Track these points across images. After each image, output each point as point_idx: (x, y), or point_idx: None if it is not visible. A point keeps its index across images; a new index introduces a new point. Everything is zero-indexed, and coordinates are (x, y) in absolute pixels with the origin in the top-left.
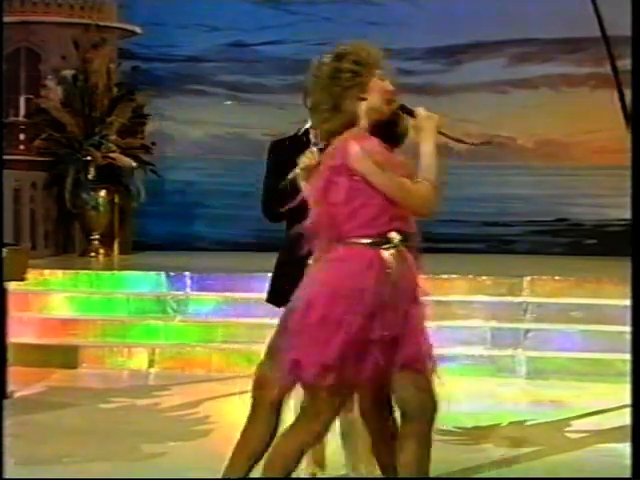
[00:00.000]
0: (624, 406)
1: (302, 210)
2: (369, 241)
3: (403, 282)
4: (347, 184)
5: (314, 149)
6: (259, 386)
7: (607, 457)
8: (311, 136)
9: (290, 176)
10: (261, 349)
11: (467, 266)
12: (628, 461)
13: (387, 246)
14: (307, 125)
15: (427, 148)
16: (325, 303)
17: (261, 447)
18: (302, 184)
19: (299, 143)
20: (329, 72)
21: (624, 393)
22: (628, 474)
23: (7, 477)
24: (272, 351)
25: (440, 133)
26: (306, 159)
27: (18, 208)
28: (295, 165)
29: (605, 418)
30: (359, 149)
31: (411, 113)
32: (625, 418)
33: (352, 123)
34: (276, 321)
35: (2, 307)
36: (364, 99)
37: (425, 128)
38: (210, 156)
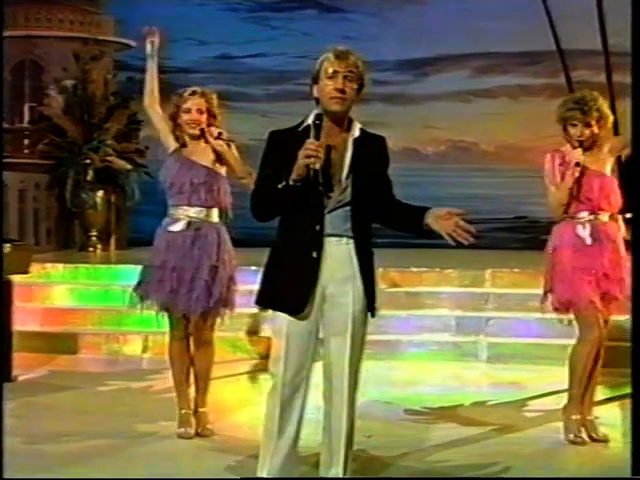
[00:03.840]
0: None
1: (313, 202)
2: None
3: None
4: None
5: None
6: None
7: (560, 435)
8: (312, 132)
9: (294, 175)
10: (248, 337)
11: (434, 260)
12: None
13: None
14: (309, 121)
15: None
16: None
17: None
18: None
19: (298, 139)
20: None
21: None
22: (574, 449)
23: (7, 477)
24: None
25: None
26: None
27: (23, 207)
28: (291, 162)
29: (559, 399)
30: None
31: None
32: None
33: None
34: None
35: (7, 298)
36: None
37: None
38: None
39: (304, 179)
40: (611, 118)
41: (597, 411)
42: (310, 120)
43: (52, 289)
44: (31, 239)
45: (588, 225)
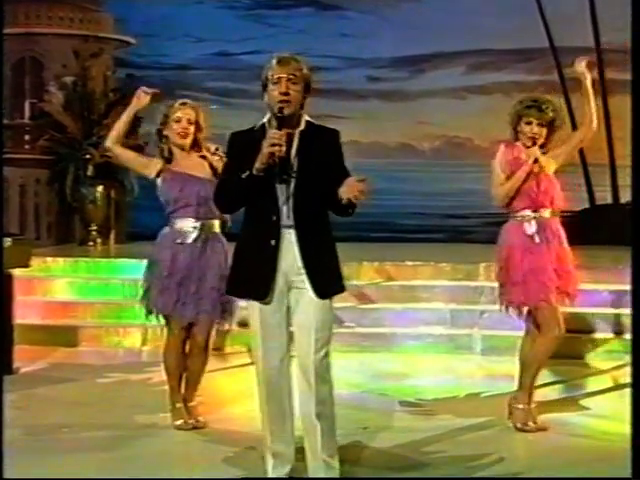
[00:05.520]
0: (565, 380)
1: (270, 196)
2: None
3: None
4: None
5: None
6: None
7: (550, 425)
8: (275, 123)
9: (258, 164)
10: (242, 329)
11: (429, 254)
12: (568, 427)
13: None
14: (264, 120)
15: None
16: None
17: None
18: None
19: (256, 137)
20: None
21: (566, 368)
22: (569, 440)
23: (7, 477)
24: None
25: None
26: (278, 139)
27: (23, 202)
28: (252, 158)
29: (550, 390)
30: None
31: None
32: (566, 391)
33: None
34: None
35: (8, 291)
36: None
37: None
38: None
39: (267, 168)
40: (561, 119)
41: (588, 403)
42: (266, 119)
43: (53, 283)
44: (32, 233)
45: (534, 222)
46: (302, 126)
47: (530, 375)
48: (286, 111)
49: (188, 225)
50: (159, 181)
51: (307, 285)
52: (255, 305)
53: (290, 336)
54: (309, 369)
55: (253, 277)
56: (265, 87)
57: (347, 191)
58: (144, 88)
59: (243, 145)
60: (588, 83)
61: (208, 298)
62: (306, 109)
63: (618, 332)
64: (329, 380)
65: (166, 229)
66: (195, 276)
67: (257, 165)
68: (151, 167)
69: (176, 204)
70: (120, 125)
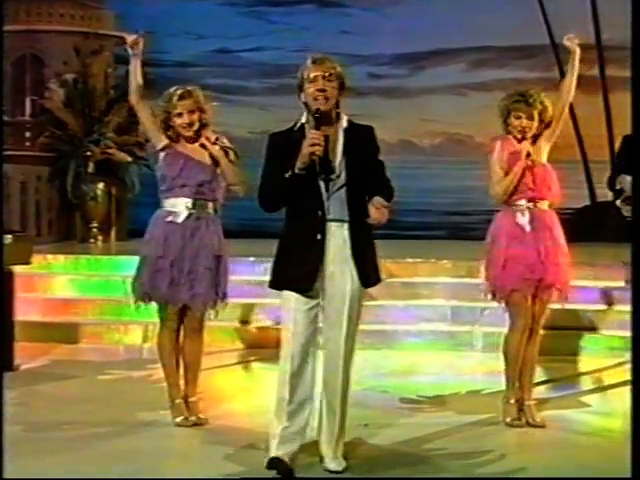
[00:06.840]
0: (565, 377)
1: (312, 194)
2: None
3: None
4: None
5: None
6: None
7: (551, 422)
8: (307, 132)
9: (299, 164)
10: (244, 326)
11: (430, 251)
12: (569, 424)
13: None
14: (302, 120)
15: None
16: None
17: None
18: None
19: (295, 137)
20: None
21: (566, 365)
22: (569, 438)
23: (7, 477)
24: None
25: None
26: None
27: (24, 199)
28: (293, 157)
29: (550, 387)
30: None
31: None
32: (567, 388)
33: None
34: (256, 301)
35: (9, 288)
36: None
37: None
38: None
39: (308, 167)
40: (550, 111)
41: (589, 400)
42: (304, 119)
43: (53, 280)
44: (33, 230)
45: (527, 212)
46: (345, 124)
47: (508, 369)
48: (323, 107)
49: (180, 204)
50: (162, 155)
51: (349, 274)
52: (292, 294)
53: (317, 330)
54: (339, 357)
55: (298, 271)
56: (301, 87)
57: (374, 212)
58: (130, 39)
59: (283, 146)
60: (577, 58)
61: (202, 279)
62: (342, 108)
63: (618, 329)
64: (351, 368)
65: (159, 209)
66: (188, 256)
67: (298, 164)
68: (161, 139)
69: (173, 182)
70: (134, 78)
